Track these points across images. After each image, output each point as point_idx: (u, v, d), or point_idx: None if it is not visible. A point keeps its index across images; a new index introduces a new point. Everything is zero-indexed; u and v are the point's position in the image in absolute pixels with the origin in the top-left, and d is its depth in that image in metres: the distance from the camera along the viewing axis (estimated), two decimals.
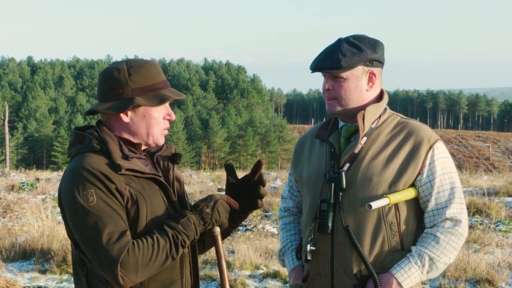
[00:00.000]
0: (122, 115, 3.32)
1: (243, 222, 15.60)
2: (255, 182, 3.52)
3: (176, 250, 3.22)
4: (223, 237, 3.59)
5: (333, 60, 3.66)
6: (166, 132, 3.43)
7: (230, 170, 3.58)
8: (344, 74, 3.68)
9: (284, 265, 4.10)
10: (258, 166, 3.52)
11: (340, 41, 3.74)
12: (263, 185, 3.53)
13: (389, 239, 3.63)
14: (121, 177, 3.23)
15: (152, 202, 3.29)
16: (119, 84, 3.30)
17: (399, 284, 3.58)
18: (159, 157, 3.50)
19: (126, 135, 3.37)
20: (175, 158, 3.51)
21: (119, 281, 3.12)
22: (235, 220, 3.59)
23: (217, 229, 3.41)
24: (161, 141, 3.42)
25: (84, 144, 3.31)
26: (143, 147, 3.43)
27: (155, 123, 3.36)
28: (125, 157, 3.28)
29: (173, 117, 3.44)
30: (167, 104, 3.40)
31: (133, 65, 3.34)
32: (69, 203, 3.20)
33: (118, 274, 3.10)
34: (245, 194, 3.53)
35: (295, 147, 4.10)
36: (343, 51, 3.66)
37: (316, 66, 3.72)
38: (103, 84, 3.35)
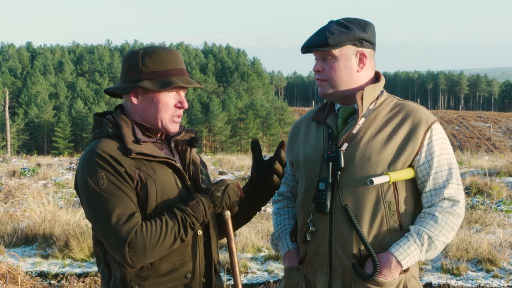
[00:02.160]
0: (132, 97, 3.43)
1: None
2: (272, 158, 3.63)
3: (185, 232, 3.28)
4: (245, 222, 3.73)
5: (321, 38, 3.66)
6: (177, 120, 3.49)
7: (255, 147, 3.66)
8: (333, 53, 3.66)
9: (277, 250, 4.07)
10: (280, 146, 3.64)
11: (330, 22, 3.75)
12: (280, 163, 3.63)
13: (388, 219, 3.62)
14: (131, 160, 3.32)
15: (163, 185, 3.36)
16: (133, 67, 3.42)
17: (398, 262, 3.57)
18: (178, 141, 3.57)
19: (139, 119, 3.44)
20: (192, 142, 3.57)
21: (128, 261, 3.21)
22: (257, 201, 3.68)
23: (228, 213, 3.47)
24: (171, 128, 3.47)
25: (101, 129, 3.43)
26: (160, 132, 3.50)
27: (164, 108, 3.42)
28: (137, 141, 3.36)
29: (185, 105, 3.49)
30: (181, 92, 3.47)
31: (148, 50, 3.45)
32: (82, 187, 3.32)
33: (127, 254, 3.19)
34: (266, 175, 3.63)
35: (290, 132, 4.08)
36: (331, 30, 3.66)
37: (304, 45, 3.72)
38: (122, 66, 3.50)
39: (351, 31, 3.67)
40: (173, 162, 3.42)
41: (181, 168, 3.47)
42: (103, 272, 3.45)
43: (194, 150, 3.61)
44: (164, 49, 3.48)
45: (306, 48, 3.72)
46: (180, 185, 3.43)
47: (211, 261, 3.52)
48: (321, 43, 3.65)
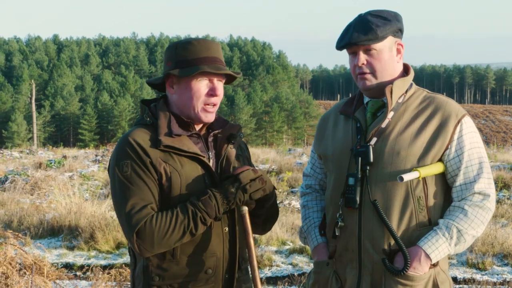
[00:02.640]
0: (168, 87, 3.51)
1: None
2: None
3: (195, 226, 3.29)
4: (270, 219, 3.70)
5: (368, 31, 3.61)
6: (211, 109, 3.50)
7: None
8: (377, 46, 3.64)
9: (305, 243, 4.07)
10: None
11: (362, 17, 3.70)
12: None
13: (417, 214, 3.60)
14: (160, 152, 3.37)
15: (188, 180, 3.38)
16: (169, 58, 3.50)
17: (427, 256, 3.56)
18: (218, 136, 3.58)
19: (177, 111, 3.50)
20: (230, 138, 3.58)
21: (136, 249, 3.28)
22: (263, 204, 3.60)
23: (245, 208, 3.45)
24: (203, 117, 3.48)
25: (141, 117, 3.53)
26: (198, 125, 3.53)
27: (195, 96, 3.45)
28: (170, 133, 3.40)
29: (217, 92, 3.49)
30: (215, 80, 3.48)
31: (183, 41, 3.52)
32: (110, 171, 3.43)
33: (135, 242, 3.26)
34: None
35: (318, 124, 4.06)
36: (374, 22, 3.63)
37: (351, 40, 3.64)
38: (163, 58, 3.58)
39: (392, 22, 3.66)
40: (202, 158, 3.42)
41: (210, 164, 3.47)
42: (130, 260, 3.54)
43: (232, 146, 3.59)
44: (198, 39, 3.53)
45: (352, 44, 3.65)
46: (208, 181, 3.43)
47: (236, 258, 3.51)
48: (370, 36, 3.61)
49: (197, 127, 3.53)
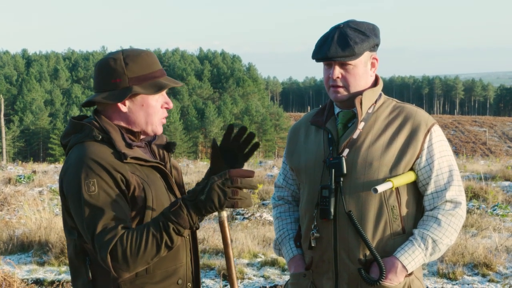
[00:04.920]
0: (120, 104, 3.29)
1: (240, 211, 15.66)
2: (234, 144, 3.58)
3: (169, 238, 3.08)
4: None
5: (346, 48, 3.63)
6: (164, 121, 3.42)
7: (215, 151, 3.59)
8: (354, 62, 3.67)
9: (280, 254, 4.07)
10: (229, 130, 3.56)
11: (341, 28, 3.70)
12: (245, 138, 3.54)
13: (391, 223, 3.65)
14: (126, 166, 3.20)
15: (156, 190, 3.27)
16: (116, 74, 3.27)
17: (403, 267, 3.61)
18: (154, 146, 3.47)
19: (124, 124, 3.33)
20: (169, 147, 3.49)
21: (112, 271, 3.07)
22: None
23: (223, 214, 3.19)
24: (159, 130, 3.39)
25: (84, 134, 3.27)
26: (142, 136, 3.40)
27: (154, 112, 3.33)
28: (129, 145, 3.26)
29: (171, 105, 3.41)
30: (164, 92, 3.38)
31: (129, 55, 3.31)
32: (72, 192, 3.17)
33: (109, 264, 3.04)
34: (233, 158, 3.59)
35: (289, 135, 4.07)
36: (352, 38, 3.64)
37: (328, 55, 3.65)
38: (100, 74, 3.32)
39: (370, 38, 3.69)
40: (162, 167, 3.34)
41: (168, 173, 3.39)
42: (83, 286, 3.28)
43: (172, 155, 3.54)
44: (142, 51, 3.37)
45: (330, 58, 3.66)
46: (168, 190, 3.36)
47: (198, 265, 3.45)
48: (348, 53, 3.63)
49: (140, 138, 3.42)
